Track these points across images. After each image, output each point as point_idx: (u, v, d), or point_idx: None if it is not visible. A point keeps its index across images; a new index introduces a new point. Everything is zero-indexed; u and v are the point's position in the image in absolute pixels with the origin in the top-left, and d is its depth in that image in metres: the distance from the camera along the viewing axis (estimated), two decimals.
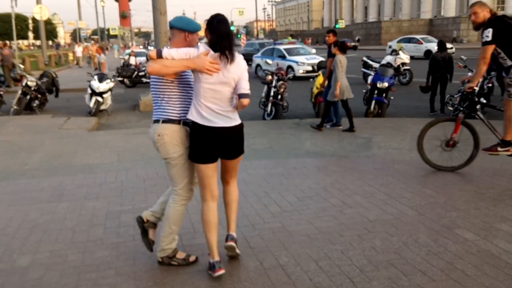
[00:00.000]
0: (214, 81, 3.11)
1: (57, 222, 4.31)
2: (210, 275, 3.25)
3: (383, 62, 15.20)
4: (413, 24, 49.82)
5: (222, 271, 3.22)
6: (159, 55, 3.05)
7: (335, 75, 8.03)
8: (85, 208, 4.64)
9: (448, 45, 14.00)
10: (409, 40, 30.90)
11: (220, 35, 3.11)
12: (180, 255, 3.46)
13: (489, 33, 4.94)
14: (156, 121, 3.24)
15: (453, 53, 25.33)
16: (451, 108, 9.83)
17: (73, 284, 3.20)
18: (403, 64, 16.22)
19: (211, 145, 3.17)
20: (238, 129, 3.27)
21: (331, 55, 8.47)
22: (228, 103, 3.18)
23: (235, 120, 3.23)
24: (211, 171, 3.28)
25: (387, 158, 6.45)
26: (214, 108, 3.13)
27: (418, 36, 32.41)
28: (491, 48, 5.01)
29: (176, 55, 3.07)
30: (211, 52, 3.11)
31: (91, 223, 4.27)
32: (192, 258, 3.48)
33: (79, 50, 33.19)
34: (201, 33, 3.40)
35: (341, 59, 8.03)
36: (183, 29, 3.24)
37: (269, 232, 3.97)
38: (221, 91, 3.14)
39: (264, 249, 3.67)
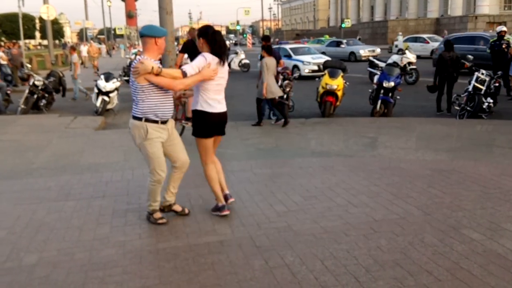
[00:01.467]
0: (217, 79, 4.12)
1: (64, 220, 4.34)
2: (217, 215, 4.30)
3: (389, 61, 15.15)
4: (419, 23, 49.56)
5: (228, 212, 4.32)
6: (185, 75, 3.90)
7: (263, 76, 8.65)
8: (91, 207, 4.67)
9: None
10: (415, 39, 30.73)
11: (221, 45, 4.11)
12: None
13: None
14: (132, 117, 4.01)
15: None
16: (457, 108, 9.80)
17: (80, 282, 3.23)
18: (410, 63, 16.14)
19: (216, 125, 4.24)
20: (226, 112, 4.35)
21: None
22: (223, 92, 4.29)
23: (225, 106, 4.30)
24: (212, 143, 4.31)
25: (393, 157, 6.43)
26: (219, 98, 4.21)
27: (424, 35, 32.20)
28: None
29: (193, 72, 3.94)
30: (212, 60, 4.02)
31: (97, 221, 4.30)
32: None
33: (84, 49, 32.45)
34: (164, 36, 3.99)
35: (267, 61, 8.62)
36: (153, 36, 3.91)
37: (275, 231, 3.98)
38: (222, 84, 4.23)
39: (269, 248, 3.67)
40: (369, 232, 3.91)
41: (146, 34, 3.90)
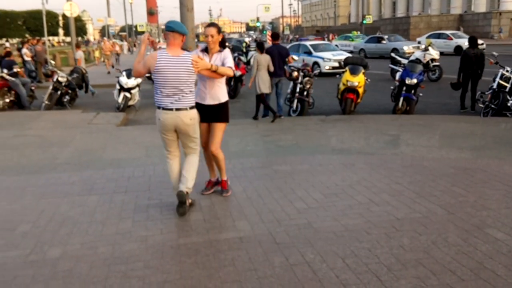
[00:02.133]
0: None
1: (87, 215, 4.41)
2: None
3: (412, 58, 14.93)
4: (442, 20, 48.74)
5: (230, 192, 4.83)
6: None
7: (252, 71, 9.34)
8: (114, 202, 4.73)
9: (479, 41, 13.58)
10: (438, 36, 30.21)
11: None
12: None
13: None
14: (185, 108, 4.18)
15: (484, 49, 24.69)
16: (482, 106, 9.61)
17: (103, 276, 3.27)
18: (433, 60, 15.89)
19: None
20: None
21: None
22: None
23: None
24: None
25: (416, 155, 6.34)
26: None
27: (448, 32, 31.66)
28: None
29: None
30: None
31: (120, 216, 4.35)
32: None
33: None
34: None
35: (258, 58, 9.19)
36: (184, 34, 4.15)
37: (295, 228, 3.97)
38: None
39: (289, 245, 3.66)
40: (391, 231, 3.87)
41: (179, 31, 4.13)
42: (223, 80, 4.63)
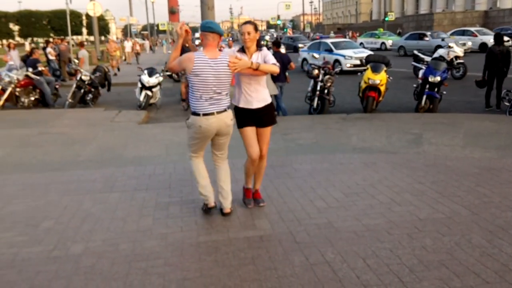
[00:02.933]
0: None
1: (108, 212, 4.46)
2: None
3: (435, 55, 14.69)
4: (467, 16, 47.75)
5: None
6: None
7: None
8: (135, 199, 4.77)
9: (505, 38, 13.21)
10: (463, 33, 29.59)
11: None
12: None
13: None
14: (225, 110, 4.05)
15: (510, 46, 24.13)
16: (507, 104, 9.38)
17: (124, 272, 3.31)
18: (457, 57, 15.59)
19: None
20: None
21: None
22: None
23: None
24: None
25: (439, 154, 6.23)
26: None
27: (472, 29, 31.00)
28: None
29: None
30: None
31: (140, 213, 4.39)
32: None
33: (128, 45, 32.52)
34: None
35: None
36: (221, 34, 4.03)
37: (315, 228, 3.94)
38: None
39: (310, 244, 3.64)
40: (413, 231, 3.81)
41: (219, 31, 3.99)
42: (265, 80, 4.30)
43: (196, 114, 3.98)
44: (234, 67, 3.90)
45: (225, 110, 4.04)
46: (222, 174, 4.30)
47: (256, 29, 4.21)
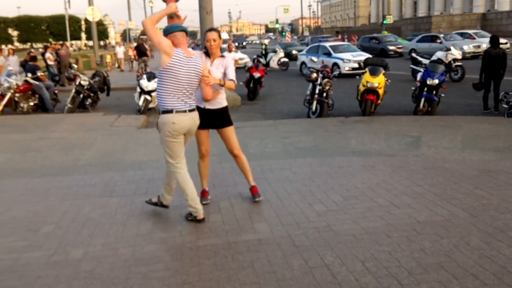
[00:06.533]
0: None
1: (108, 216, 4.47)
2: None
3: (434, 58, 14.72)
4: (465, 19, 47.92)
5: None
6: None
7: None
8: (134, 204, 4.78)
9: (502, 40, 13.19)
10: (461, 35, 29.61)
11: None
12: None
13: None
14: (194, 109, 4.20)
15: (507, 48, 24.14)
16: (505, 106, 9.40)
17: (124, 277, 3.31)
18: (455, 60, 15.63)
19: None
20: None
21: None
22: None
23: None
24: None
25: (437, 157, 6.25)
26: None
27: (470, 31, 31.09)
28: None
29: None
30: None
31: (140, 218, 4.40)
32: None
33: (120, 51, 28.72)
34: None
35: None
36: (187, 32, 4.09)
37: (314, 231, 3.95)
38: None
39: (309, 247, 3.65)
40: (412, 234, 3.82)
41: (187, 30, 4.12)
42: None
43: (167, 111, 4.05)
44: (208, 81, 4.15)
45: (194, 110, 4.18)
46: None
47: (219, 36, 4.52)
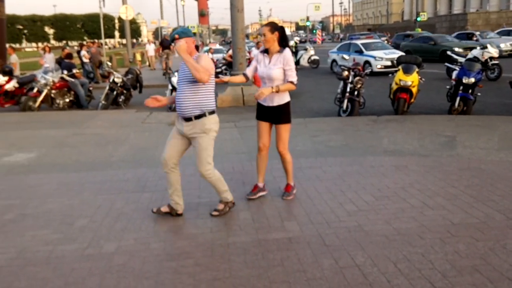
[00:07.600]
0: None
1: (140, 211, 4.55)
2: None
3: (470, 56, 14.34)
4: (502, 16, 46.38)
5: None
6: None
7: None
8: (166, 199, 4.83)
9: None
10: (508, 33, 28.26)
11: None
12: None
13: None
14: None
15: None
16: None
17: (155, 271, 3.36)
18: (491, 58, 15.17)
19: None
20: None
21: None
22: None
23: None
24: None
25: (473, 158, 6.09)
26: None
27: (511, 28, 30.00)
28: None
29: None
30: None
31: (171, 213, 4.45)
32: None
33: (151, 48, 28.42)
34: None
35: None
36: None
37: (345, 231, 3.91)
38: None
39: (339, 247, 3.62)
40: (446, 236, 3.73)
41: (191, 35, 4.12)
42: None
43: (213, 112, 4.24)
44: (260, 98, 4.33)
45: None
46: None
47: (273, 30, 4.23)
